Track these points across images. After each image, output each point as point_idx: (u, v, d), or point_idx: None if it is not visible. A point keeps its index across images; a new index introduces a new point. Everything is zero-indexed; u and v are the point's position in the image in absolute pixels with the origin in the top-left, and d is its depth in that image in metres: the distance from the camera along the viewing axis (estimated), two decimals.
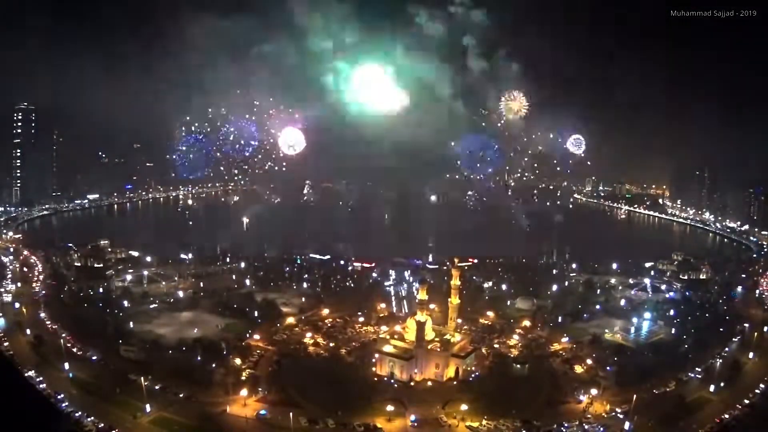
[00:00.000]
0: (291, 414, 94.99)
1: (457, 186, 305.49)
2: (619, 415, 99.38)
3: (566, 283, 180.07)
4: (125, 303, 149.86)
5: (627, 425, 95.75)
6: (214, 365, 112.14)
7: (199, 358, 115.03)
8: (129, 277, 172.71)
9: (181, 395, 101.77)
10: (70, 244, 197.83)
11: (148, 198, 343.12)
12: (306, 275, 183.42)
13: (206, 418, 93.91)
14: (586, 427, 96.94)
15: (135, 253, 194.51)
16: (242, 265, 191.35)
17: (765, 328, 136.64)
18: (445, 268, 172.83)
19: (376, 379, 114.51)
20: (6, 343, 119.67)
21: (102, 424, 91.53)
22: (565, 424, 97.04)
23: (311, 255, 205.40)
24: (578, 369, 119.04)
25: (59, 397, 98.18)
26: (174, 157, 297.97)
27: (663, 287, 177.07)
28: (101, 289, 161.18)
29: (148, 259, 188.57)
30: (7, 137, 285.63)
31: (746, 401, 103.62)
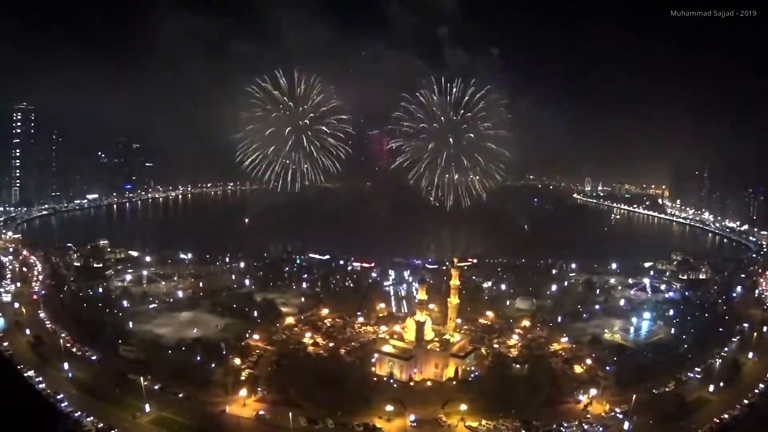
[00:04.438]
0: (291, 414, 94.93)
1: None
2: (618, 415, 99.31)
3: (566, 283, 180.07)
4: (125, 303, 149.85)
5: (626, 425, 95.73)
6: (213, 365, 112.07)
7: (198, 358, 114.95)
8: (128, 277, 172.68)
9: (180, 395, 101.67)
10: (70, 244, 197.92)
11: (148, 198, 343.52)
12: (305, 275, 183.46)
13: (206, 418, 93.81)
14: (586, 427, 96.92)
15: (134, 253, 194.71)
16: (242, 265, 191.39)
17: (765, 328, 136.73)
18: (444, 268, 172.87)
19: (375, 379, 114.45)
20: (6, 343, 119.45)
21: (101, 424, 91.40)
22: (565, 424, 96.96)
23: (311, 255, 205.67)
24: (578, 369, 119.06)
25: (59, 397, 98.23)
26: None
27: (663, 287, 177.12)
28: (101, 289, 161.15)
29: (148, 259, 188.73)
30: (7, 137, 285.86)
31: (746, 401, 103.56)
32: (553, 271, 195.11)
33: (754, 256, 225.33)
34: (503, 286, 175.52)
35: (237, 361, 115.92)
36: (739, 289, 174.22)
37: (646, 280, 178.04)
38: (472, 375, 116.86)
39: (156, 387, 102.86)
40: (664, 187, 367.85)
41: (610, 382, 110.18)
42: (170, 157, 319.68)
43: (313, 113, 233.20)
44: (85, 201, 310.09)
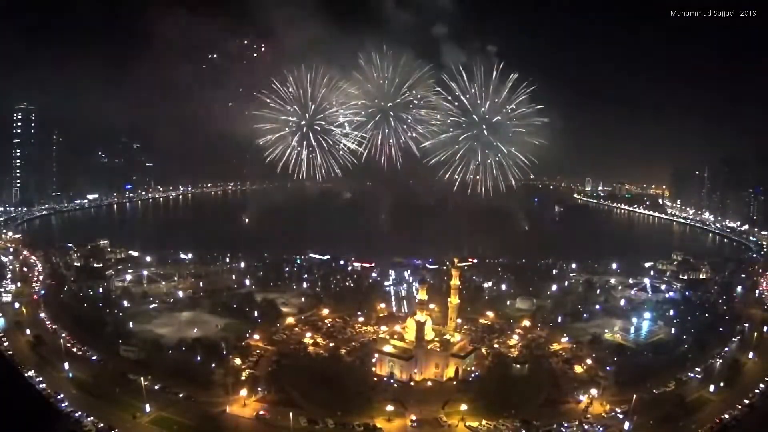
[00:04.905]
0: (291, 414, 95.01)
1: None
2: (618, 415, 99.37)
3: (566, 283, 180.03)
4: (125, 303, 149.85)
5: (627, 425, 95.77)
6: (213, 365, 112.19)
7: (198, 358, 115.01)
8: (129, 277, 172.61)
9: (181, 395, 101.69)
10: (70, 244, 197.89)
11: (148, 198, 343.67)
12: (306, 275, 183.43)
13: (206, 418, 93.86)
14: (586, 427, 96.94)
15: (135, 253, 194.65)
16: (242, 265, 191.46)
17: (765, 328, 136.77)
18: (444, 268, 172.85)
19: (375, 379, 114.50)
20: (6, 343, 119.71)
21: (102, 424, 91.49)
22: (565, 424, 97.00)
23: (311, 255, 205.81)
24: (578, 369, 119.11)
25: (59, 397, 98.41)
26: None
27: (663, 287, 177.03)
28: (101, 289, 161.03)
29: (148, 259, 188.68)
30: (7, 137, 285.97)
31: (746, 401, 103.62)
32: (554, 271, 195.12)
33: (754, 256, 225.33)
34: (503, 286, 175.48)
35: (237, 361, 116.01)
36: (739, 289, 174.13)
37: (647, 280, 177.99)
38: (473, 375, 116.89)
39: (156, 387, 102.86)
40: (664, 187, 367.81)
41: (610, 382, 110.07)
42: (170, 157, 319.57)
43: (318, 113, 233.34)
44: (86, 201, 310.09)
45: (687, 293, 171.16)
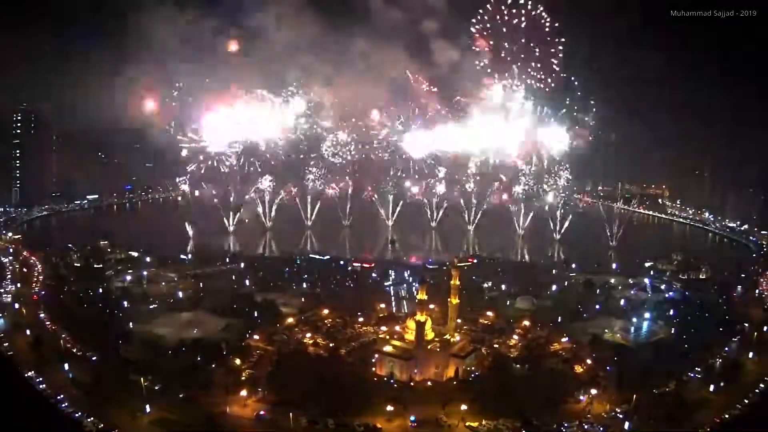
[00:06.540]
0: (291, 414, 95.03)
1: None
2: (619, 415, 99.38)
3: (566, 283, 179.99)
4: (125, 303, 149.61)
5: (627, 425, 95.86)
6: (214, 365, 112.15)
7: (199, 359, 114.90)
8: (128, 278, 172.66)
9: (181, 395, 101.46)
10: (70, 245, 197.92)
11: (148, 198, 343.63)
12: (306, 275, 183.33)
13: (206, 419, 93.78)
14: (586, 427, 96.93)
15: (135, 254, 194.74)
16: (242, 265, 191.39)
17: (765, 328, 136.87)
18: (445, 268, 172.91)
19: (375, 379, 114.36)
20: (6, 344, 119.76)
21: (102, 424, 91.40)
22: (565, 424, 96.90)
23: (311, 255, 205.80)
24: (578, 369, 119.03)
25: (59, 397, 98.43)
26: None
27: (663, 287, 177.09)
28: (101, 290, 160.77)
29: (148, 259, 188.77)
30: (7, 137, 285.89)
31: (746, 401, 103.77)
32: (554, 271, 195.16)
33: (754, 256, 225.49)
34: (503, 286, 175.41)
35: (237, 361, 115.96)
36: (739, 289, 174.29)
37: (647, 280, 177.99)
38: (473, 375, 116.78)
39: (156, 387, 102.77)
40: (664, 186, 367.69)
41: (610, 382, 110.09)
42: (171, 158, 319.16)
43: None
44: (85, 201, 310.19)
45: (687, 293, 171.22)
